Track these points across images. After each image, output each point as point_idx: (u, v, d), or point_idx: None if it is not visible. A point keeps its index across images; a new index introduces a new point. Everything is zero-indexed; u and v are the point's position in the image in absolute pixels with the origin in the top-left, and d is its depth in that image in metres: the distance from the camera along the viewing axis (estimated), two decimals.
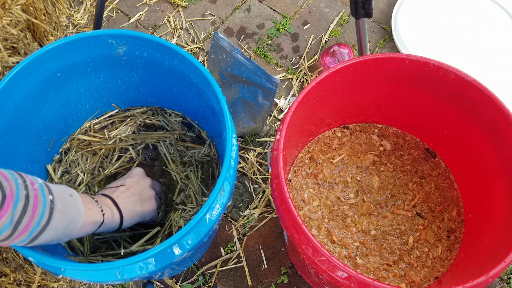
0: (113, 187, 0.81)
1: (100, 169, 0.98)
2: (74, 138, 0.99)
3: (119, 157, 0.98)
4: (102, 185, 0.96)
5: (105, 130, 1.01)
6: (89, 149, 0.99)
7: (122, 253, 0.86)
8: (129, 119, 1.02)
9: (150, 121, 1.02)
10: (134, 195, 0.81)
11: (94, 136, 1.00)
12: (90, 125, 1.01)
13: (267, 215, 1.09)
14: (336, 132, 1.01)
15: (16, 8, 1.04)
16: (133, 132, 1.01)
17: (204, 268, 1.03)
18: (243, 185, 1.12)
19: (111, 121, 1.02)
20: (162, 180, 0.98)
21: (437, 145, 0.97)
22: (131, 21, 1.35)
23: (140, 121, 1.02)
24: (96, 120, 1.01)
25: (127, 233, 0.91)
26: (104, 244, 0.90)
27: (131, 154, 0.98)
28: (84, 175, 0.96)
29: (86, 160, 0.97)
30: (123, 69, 0.93)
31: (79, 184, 0.95)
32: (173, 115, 1.03)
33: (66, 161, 0.97)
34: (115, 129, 1.01)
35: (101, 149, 0.98)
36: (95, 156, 0.98)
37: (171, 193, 0.97)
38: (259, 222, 1.08)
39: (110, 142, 0.99)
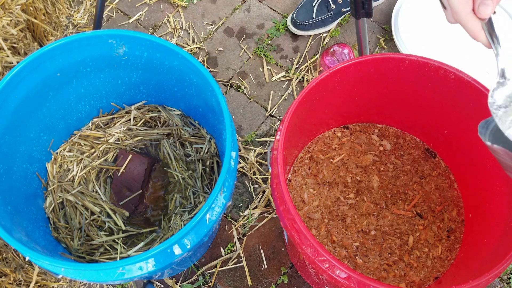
0: None
1: (100, 167, 0.98)
2: (74, 137, 0.99)
3: (119, 155, 0.98)
4: (102, 183, 0.96)
5: (105, 129, 1.01)
6: (89, 147, 0.99)
7: (118, 258, 0.86)
8: (128, 116, 1.02)
9: (150, 116, 1.02)
10: None
11: (94, 135, 1.00)
12: (90, 124, 1.01)
13: (267, 215, 1.09)
14: (336, 132, 1.01)
15: (16, 8, 1.04)
16: (133, 130, 1.01)
17: (204, 268, 1.03)
18: (243, 185, 1.12)
19: (111, 120, 1.02)
20: (162, 178, 0.98)
21: (437, 145, 0.97)
22: (131, 21, 1.35)
23: (140, 118, 1.02)
24: (96, 119, 1.01)
25: (123, 234, 0.91)
26: (100, 248, 0.90)
27: (131, 152, 0.98)
28: (83, 173, 0.96)
29: (87, 157, 0.97)
30: (123, 69, 0.93)
31: (79, 183, 0.95)
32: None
33: (65, 159, 0.97)
34: (115, 128, 1.01)
35: (100, 148, 0.98)
36: (95, 155, 0.98)
37: (171, 195, 0.97)
38: (259, 222, 1.08)
39: (110, 141, 0.99)
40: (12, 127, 0.83)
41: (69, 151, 0.98)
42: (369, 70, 0.84)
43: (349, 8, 1.29)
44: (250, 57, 1.30)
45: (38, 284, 0.94)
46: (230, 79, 1.27)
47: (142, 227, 0.93)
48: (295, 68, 1.28)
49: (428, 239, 0.90)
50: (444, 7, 0.58)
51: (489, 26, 0.56)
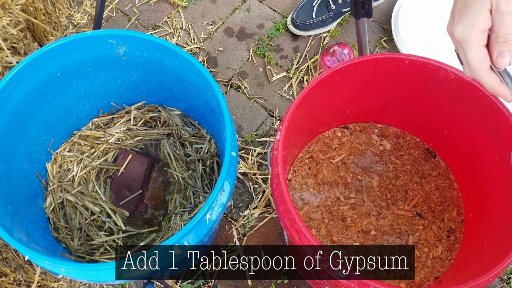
0: None
1: (100, 167, 0.98)
2: (74, 137, 0.99)
3: (119, 155, 0.98)
4: (102, 183, 0.96)
5: (105, 129, 1.01)
6: (89, 147, 0.99)
7: (117, 259, 0.86)
8: (128, 116, 1.02)
9: (150, 116, 1.02)
10: None
11: (94, 135, 1.00)
12: (90, 124, 1.01)
13: (267, 215, 1.09)
14: (336, 132, 1.01)
15: (16, 8, 1.04)
16: (133, 130, 1.01)
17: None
18: (243, 185, 1.12)
19: (111, 120, 1.02)
20: (162, 178, 0.98)
21: (437, 145, 0.97)
22: (131, 21, 1.35)
23: (140, 118, 1.02)
24: (96, 119, 1.01)
25: (123, 235, 0.91)
26: (100, 248, 0.90)
27: (131, 152, 0.98)
28: (83, 173, 0.96)
29: (87, 157, 0.97)
30: (123, 69, 0.93)
31: (79, 183, 0.95)
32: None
33: (65, 159, 0.97)
34: (115, 128, 1.01)
35: (100, 148, 0.98)
36: (95, 155, 0.98)
37: (171, 195, 0.97)
38: (259, 222, 1.08)
39: (110, 141, 0.99)
40: (12, 127, 0.83)
41: (69, 151, 0.98)
42: (369, 70, 0.84)
43: (349, 8, 1.29)
44: (250, 57, 1.30)
45: (38, 284, 0.94)
46: (230, 79, 1.27)
47: (142, 227, 0.93)
48: (295, 68, 1.28)
49: (428, 239, 0.90)
50: (461, 62, 0.56)
51: (506, 75, 0.53)
